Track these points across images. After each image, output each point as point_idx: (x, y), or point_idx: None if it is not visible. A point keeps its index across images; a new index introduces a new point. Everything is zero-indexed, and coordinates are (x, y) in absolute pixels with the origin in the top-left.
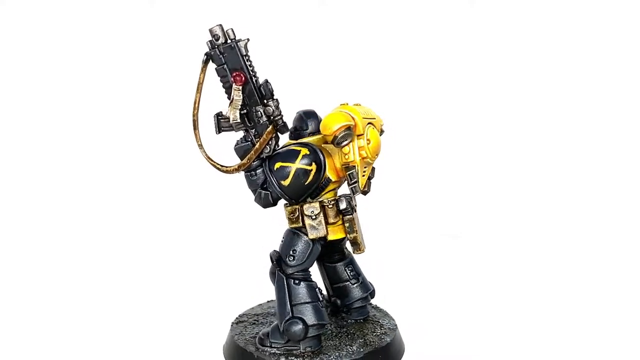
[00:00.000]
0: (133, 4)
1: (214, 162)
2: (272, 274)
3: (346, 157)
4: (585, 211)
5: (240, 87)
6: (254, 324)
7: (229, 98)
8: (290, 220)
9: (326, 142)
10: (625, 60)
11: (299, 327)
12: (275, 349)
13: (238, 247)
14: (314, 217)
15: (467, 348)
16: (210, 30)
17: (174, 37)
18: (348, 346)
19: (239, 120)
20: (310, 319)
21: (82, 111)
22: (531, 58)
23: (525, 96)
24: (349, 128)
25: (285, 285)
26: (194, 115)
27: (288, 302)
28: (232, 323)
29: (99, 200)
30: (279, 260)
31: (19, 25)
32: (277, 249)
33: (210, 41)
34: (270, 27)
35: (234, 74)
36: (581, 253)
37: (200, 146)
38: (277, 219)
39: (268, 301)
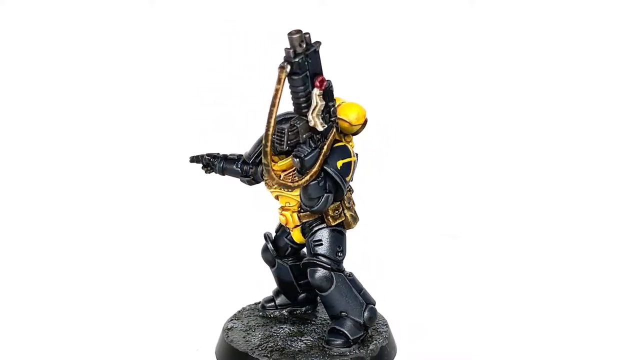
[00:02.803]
0: (133, 4)
1: (283, 180)
2: (327, 278)
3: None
4: (585, 211)
5: (322, 92)
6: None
7: (300, 106)
8: (334, 218)
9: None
10: (625, 60)
11: (375, 310)
12: (357, 344)
13: (229, 248)
14: (351, 207)
15: (463, 349)
16: (294, 38)
17: (174, 37)
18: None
19: (326, 126)
20: (372, 301)
21: (82, 111)
22: (531, 58)
23: (525, 96)
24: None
25: (347, 281)
26: (269, 135)
27: (357, 294)
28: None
29: (93, 200)
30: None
31: (19, 25)
32: (316, 252)
33: (290, 49)
34: (270, 27)
35: (319, 79)
36: (581, 253)
37: (272, 168)
38: (269, 218)
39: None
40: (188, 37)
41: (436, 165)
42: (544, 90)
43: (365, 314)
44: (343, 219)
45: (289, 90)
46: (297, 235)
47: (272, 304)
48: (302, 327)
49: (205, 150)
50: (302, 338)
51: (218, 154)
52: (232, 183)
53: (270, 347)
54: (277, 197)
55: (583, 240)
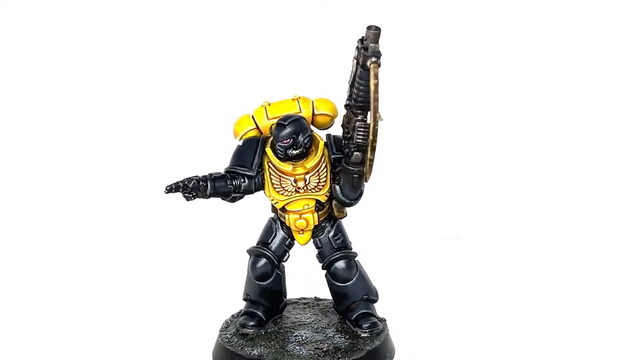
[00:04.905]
0: (133, 4)
1: (369, 176)
2: (352, 267)
3: None
4: (585, 213)
5: None
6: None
7: (362, 100)
8: (345, 209)
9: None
10: (625, 60)
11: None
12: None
13: (226, 249)
14: None
15: (461, 350)
16: (377, 34)
17: (174, 37)
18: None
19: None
20: None
21: (82, 112)
22: (531, 58)
23: (525, 96)
24: None
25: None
26: (377, 130)
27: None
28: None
29: (91, 201)
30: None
31: (19, 25)
32: (337, 246)
33: (376, 45)
34: (271, 27)
35: None
36: (580, 255)
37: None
38: (263, 220)
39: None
40: (188, 38)
41: (436, 166)
42: (544, 90)
43: (376, 290)
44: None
45: (355, 85)
46: (306, 238)
47: (256, 321)
48: (310, 327)
49: (176, 175)
50: (330, 335)
51: (197, 175)
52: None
53: (325, 350)
54: (283, 207)
55: (582, 241)
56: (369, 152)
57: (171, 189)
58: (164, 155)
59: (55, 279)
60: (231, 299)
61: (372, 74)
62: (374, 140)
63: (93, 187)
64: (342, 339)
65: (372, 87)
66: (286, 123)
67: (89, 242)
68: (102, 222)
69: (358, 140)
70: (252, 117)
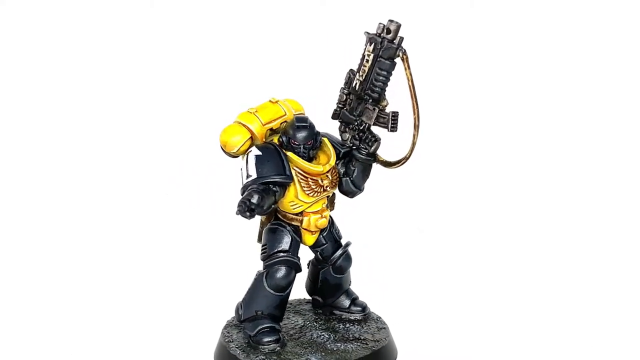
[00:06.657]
0: (133, 4)
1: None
2: (350, 257)
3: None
4: (582, 211)
5: None
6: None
7: (380, 92)
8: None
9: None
10: (625, 60)
11: None
12: None
13: (228, 250)
14: None
15: (461, 350)
16: (399, 27)
17: (174, 37)
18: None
19: None
20: None
21: (82, 112)
22: (531, 59)
23: (524, 97)
24: None
25: None
26: (420, 116)
27: None
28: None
29: (94, 200)
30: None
31: (19, 25)
32: (339, 238)
33: (402, 38)
34: (271, 27)
35: None
36: (579, 255)
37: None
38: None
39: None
40: (188, 38)
41: (436, 167)
42: (543, 90)
43: None
44: None
45: (373, 77)
46: (315, 237)
47: (277, 335)
48: (314, 327)
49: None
50: (342, 329)
51: (252, 193)
52: (229, 186)
53: (363, 339)
54: (300, 212)
55: (581, 241)
56: (414, 136)
57: (242, 209)
58: (166, 155)
59: (58, 282)
60: (228, 306)
61: (406, 64)
62: (417, 127)
63: (94, 190)
64: (357, 327)
65: (408, 76)
66: (307, 124)
67: (90, 243)
68: (104, 225)
69: (393, 129)
70: (245, 125)
